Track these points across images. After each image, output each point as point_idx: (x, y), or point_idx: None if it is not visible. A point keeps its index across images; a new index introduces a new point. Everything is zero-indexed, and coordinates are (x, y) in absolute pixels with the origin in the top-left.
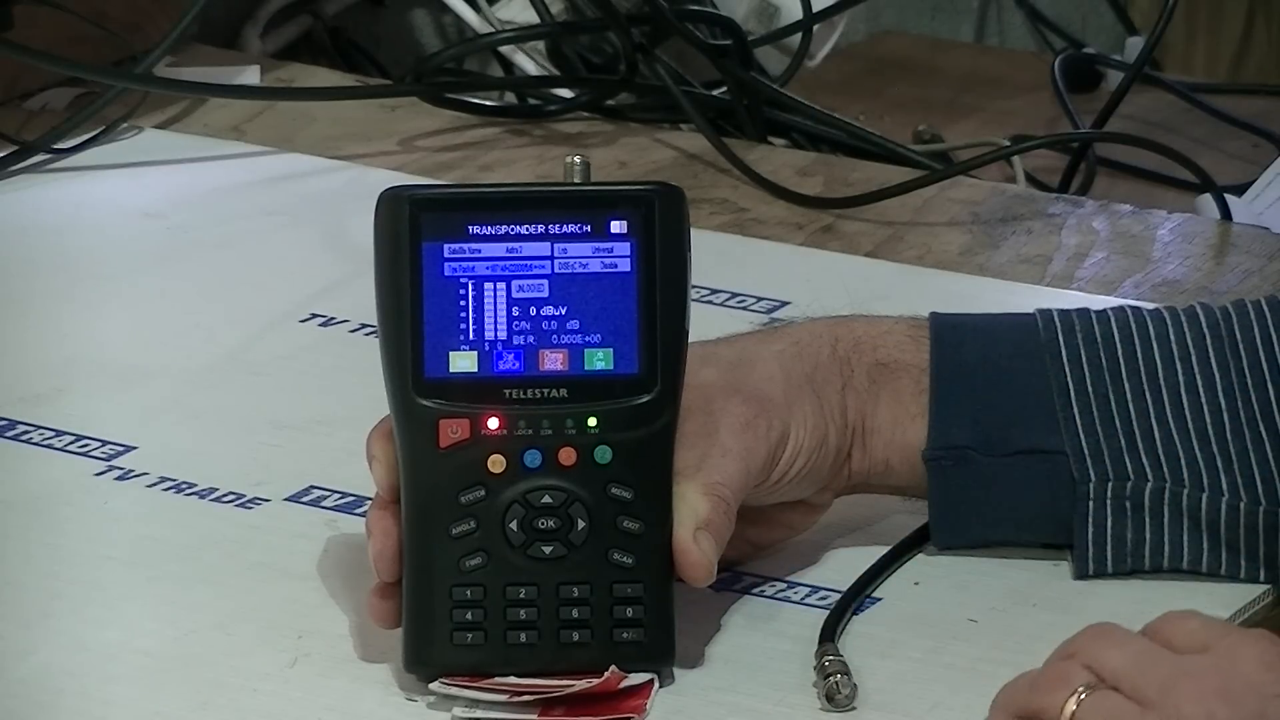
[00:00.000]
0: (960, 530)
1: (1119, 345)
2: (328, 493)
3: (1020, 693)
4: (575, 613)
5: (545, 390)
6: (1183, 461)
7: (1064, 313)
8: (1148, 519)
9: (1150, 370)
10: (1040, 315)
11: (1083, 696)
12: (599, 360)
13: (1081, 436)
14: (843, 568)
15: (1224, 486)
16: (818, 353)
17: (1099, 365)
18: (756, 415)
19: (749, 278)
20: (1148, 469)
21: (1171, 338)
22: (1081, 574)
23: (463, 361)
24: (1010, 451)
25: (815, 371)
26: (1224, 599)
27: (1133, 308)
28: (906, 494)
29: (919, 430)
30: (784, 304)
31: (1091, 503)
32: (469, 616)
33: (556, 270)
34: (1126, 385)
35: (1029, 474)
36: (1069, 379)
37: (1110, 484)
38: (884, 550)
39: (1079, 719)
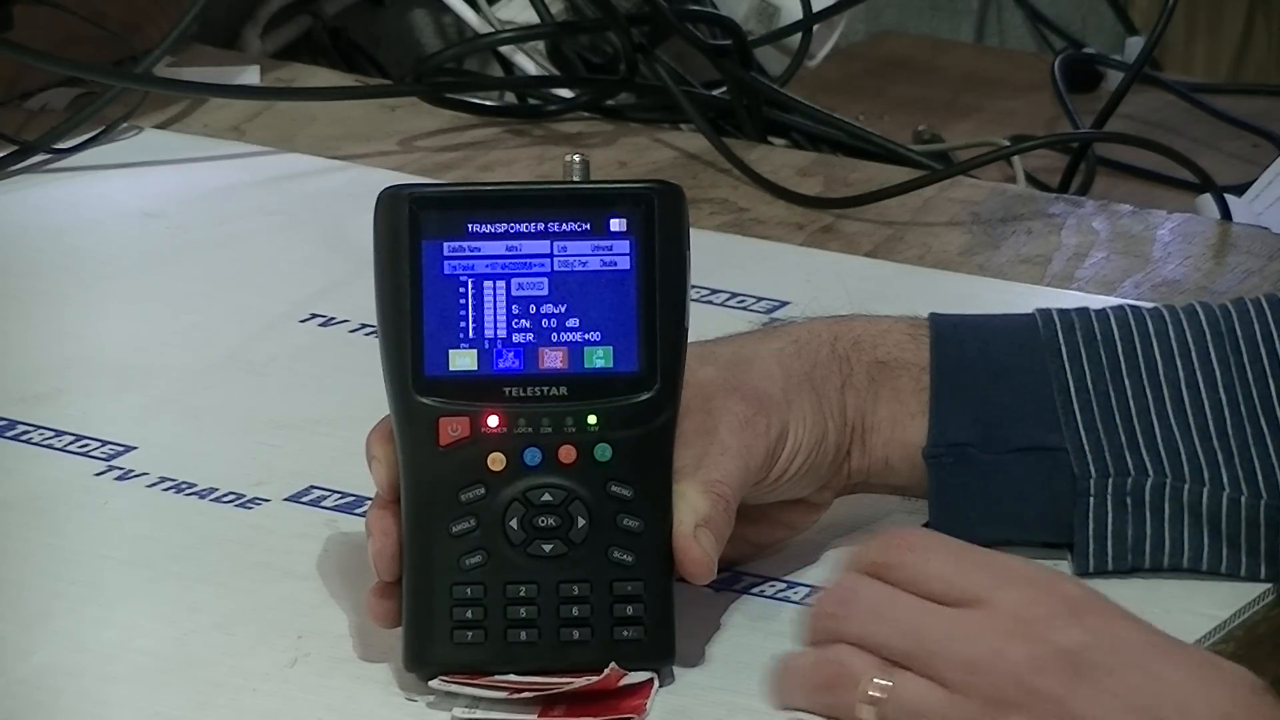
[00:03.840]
0: (960, 528)
1: (1119, 343)
2: (328, 493)
3: (796, 694)
4: (575, 611)
5: (545, 388)
6: (1183, 457)
7: (1063, 311)
8: (1148, 514)
9: (1150, 367)
10: (1040, 314)
11: (882, 689)
12: (598, 358)
13: (1082, 433)
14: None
15: (1225, 481)
16: (817, 351)
17: (1099, 362)
18: (755, 413)
19: (749, 278)
20: (1148, 465)
21: (1171, 335)
22: (1082, 571)
23: (462, 360)
24: (1010, 449)
25: (814, 370)
26: (1224, 598)
27: (1132, 306)
28: (906, 493)
29: (919, 428)
30: (784, 304)
31: (1092, 499)
32: (469, 615)
33: (556, 268)
34: (1126, 382)
35: (1029, 471)
36: (1069, 376)
37: (1111, 480)
38: None
39: (883, 717)
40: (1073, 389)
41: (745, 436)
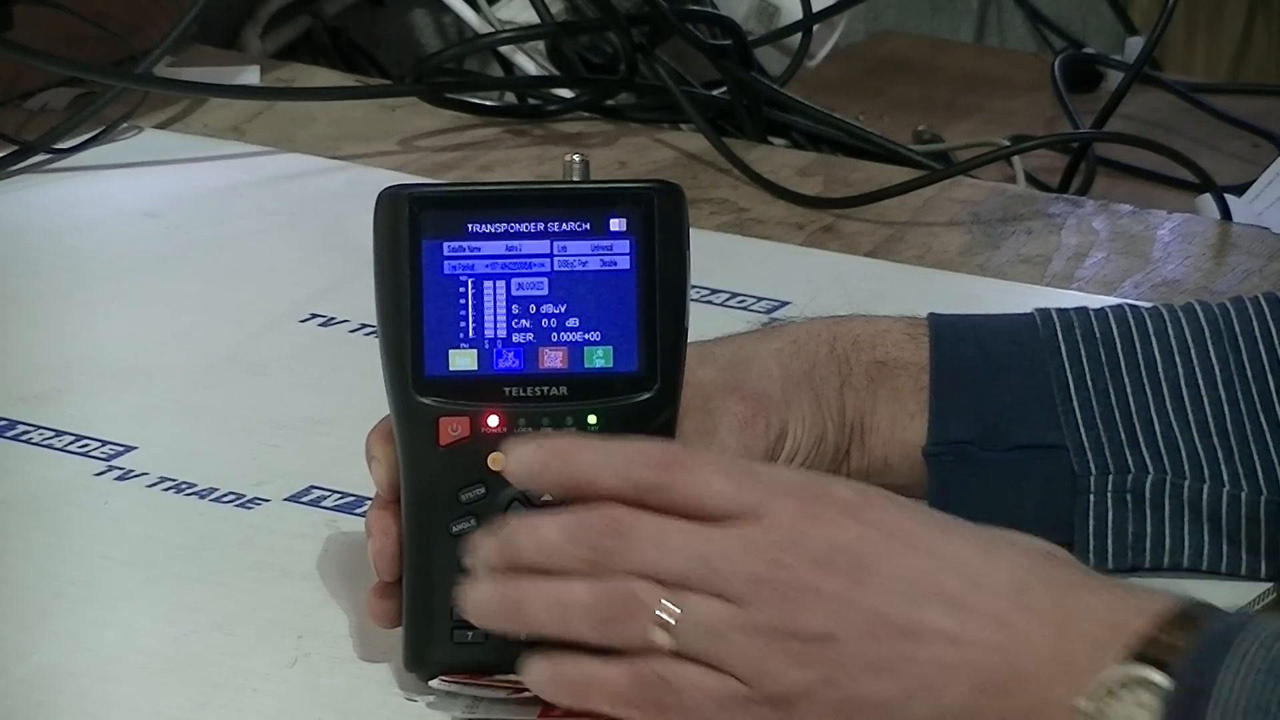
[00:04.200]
0: None
1: (1118, 341)
2: (328, 493)
3: (583, 628)
4: None
5: (545, 388)
6: (1183, 453)
7: (1063, 311)
8: (1149, 511)
9: (1150, 364)
10: (1039, 313)
11: (671, 612)
12: (598, 358)
13: (1082, 431)
14: None
15: (1225, 477)
16: (816, 351)
17: (1098, 361)
18: (754, 414)
19: (749, 278)
20: (1148, 462)
21: (1170, 333)
22: None
23: (462, 359)
24: (1010, 446)
25: (813, 370)
26: (1224, 597)
27: (1131, 305)
28: (906, 494)
29: (918, 428)
30: (784, 304)
31: (1092, 496)
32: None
33: (556, 268)
34: (1126, 380)
35: (1029, 469)
36: (1069, 374)
37: (1111, 477)
38: None
39: (683, 645)
40: (1072, 387)
41: (744, 437)
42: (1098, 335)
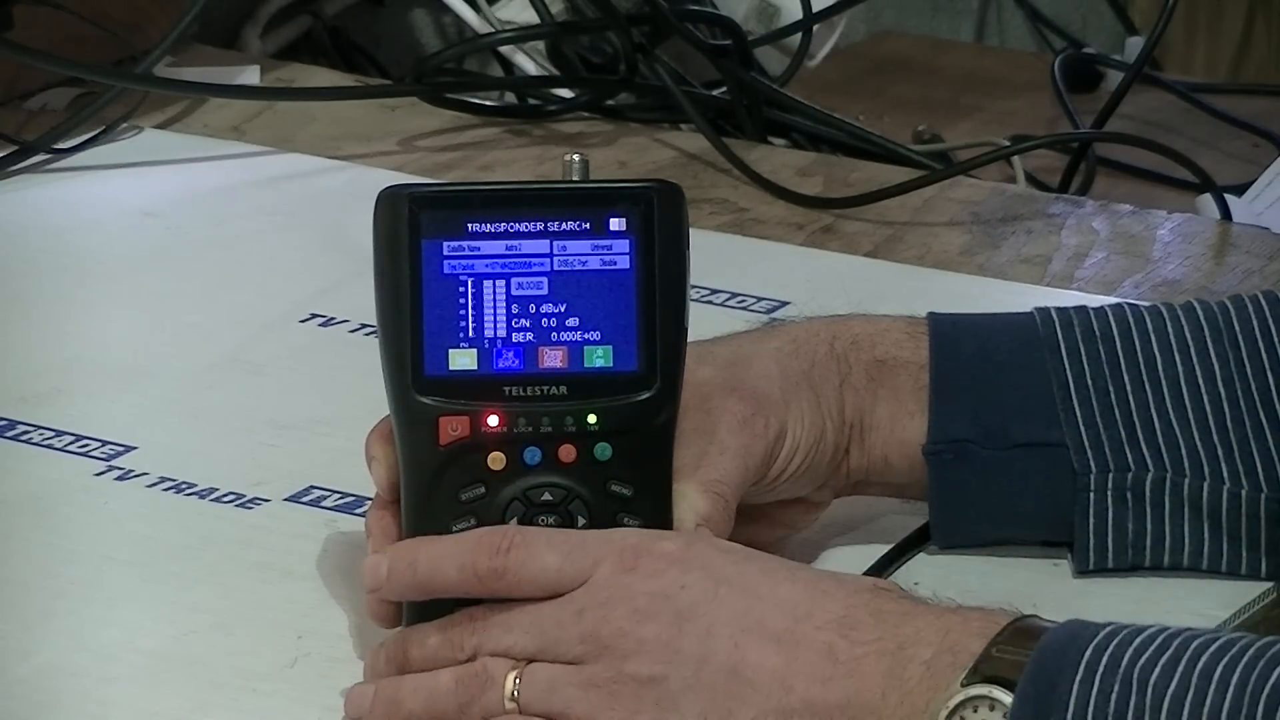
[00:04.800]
0: (960, 525)
1: (1118, 339)
2: (328, 493)
3: (450, 711)
4: None
5: (545, 387)
6: (1183, 451)
7: (1062, 309)
8: (1148, 509)
9: (1149, 363)
10: (1039, 312)
11: (516, 681)
12: (598, 357)
13: (1082, 429)
14: (843, 567)
15: (1225, 475)
16: (815, 350)
17: (1098, 359)
18: (754, 413)
19: (749, 278)
20: (1148, 460)
21: (1170, 331)
22: (1082, 567)
23: (462, 359)
24: (1010, 445)
25: (813, 369)
26: (1224, 597)
27: (1130, 304)
28: (905, 494)
29: (918, 427)
30: (784, 304)
31: (1092, 494)
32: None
33: (556, 268)
34: (1126, 378)
35: (1029, 467)
36: (1068, 373)
37: (1111, 475)
38: (884, 549)
39: (528, 705)
40: (1072, 385)
41: (744, 436)
42: (1097, 334)
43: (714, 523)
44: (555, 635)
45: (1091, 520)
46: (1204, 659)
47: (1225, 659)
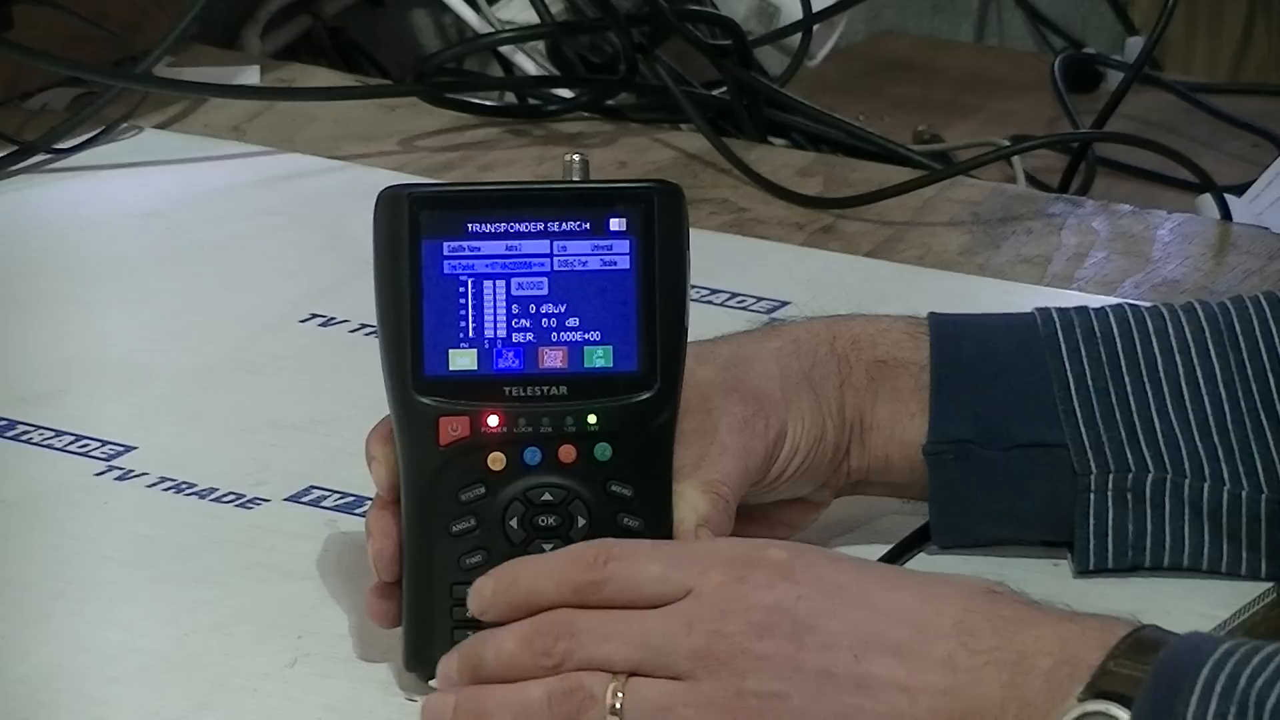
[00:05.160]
0: (960, 525)
1: (1118, 340)
2: (328, 493)
3: None
4: None
5: (545, 388)
6: (1184, 452)
7: (1063, 310)
8: (1149, 510)
9: (1150, 363)
10: (1039, 313)
11: (620, 698)
12: (598, 358)
13: (1082, 429)
14: None
15: (1225, 476)
16: (815, 350)
17: (1099, 359)
18: (754, 413)
19: (749, 278)
20: (1149, 460)
21: (1170, 332)
22: (1082, 568)
23: (462, 359)
24: (1010, 445)
25: (813, 369)
26: (1225, 598)
27: (1131, 305)
28: (905, 494)
29: (918, 427)
30: (784, 304)
31: (1092, 495)
32: (469, 615)
33: (556, 268)
34: (1126, 378)
35: (1029, 467)
36: (1069, 373)
37: (1111, 476)
38: (884, 549)
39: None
40: (1072, 386)
41: (744, 436)
42: (1098, 334)
43: (714, 523)
44: (661, 648)
45: (1092, 520)
46: None
47: None
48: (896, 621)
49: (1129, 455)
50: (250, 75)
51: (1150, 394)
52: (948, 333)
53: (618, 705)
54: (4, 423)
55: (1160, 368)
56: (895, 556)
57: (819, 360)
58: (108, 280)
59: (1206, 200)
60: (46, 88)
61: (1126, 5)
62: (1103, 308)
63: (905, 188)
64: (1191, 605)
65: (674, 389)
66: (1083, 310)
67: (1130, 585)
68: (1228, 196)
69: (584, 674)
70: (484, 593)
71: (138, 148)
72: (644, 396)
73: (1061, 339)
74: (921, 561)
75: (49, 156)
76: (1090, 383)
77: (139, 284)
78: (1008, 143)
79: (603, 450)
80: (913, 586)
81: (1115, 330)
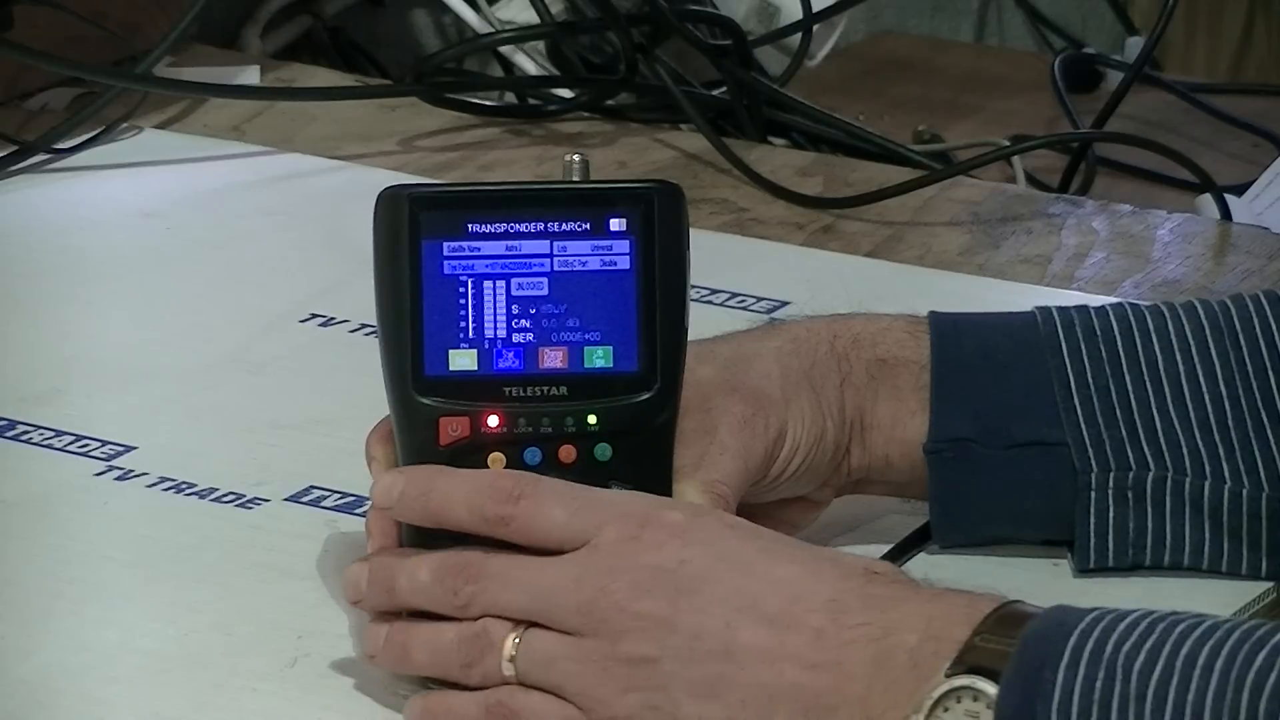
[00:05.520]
0: (960, 524)
1: (1118, 338)
2: (328, 493)
3: (454, 671)
4: None
5: (545, 388)
6: (1184, 450)
7: (1063, 309)
8: (1149, 509)
9: (1150, 361)
10: (1039, 312)
11: (515, 647)
12: (598, 358)
13: (1083, 428)
14: None
15: (1226, 474)
16: (815, 349)
17: (1099, 358)
18: (754, 413)
19: (749, 278)
20: (1149, 459)
21: (1171, 330)
22: (1083, 566)
23: (462, 359)
24: (1011, 444)
25: (813, 368)
26: (1225, 597)
27: (1131, 304)
28: (906, 493)
29: (919, 426)
30: (784, 304)
31: (1093, 493)
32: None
33: (556, 268)
34: (1127, 377)
35: (1030, 466)
36: (1069, 372)
37: (1111, 474)
38: (884, 549)
39: (525, 676)
40: (1073, 384)
41: (744, 436)
42: (1098, 333)
43: None
44: (552, 600)
45: (1092, 519)
46: (1188, 644)
47: (1210, 644)
48: (774, 593)
49: (1129, 453)
50: (250, 75)
51: (1150, 392)
52: (948, 331)
53: (514, 654)
54: (4, 423)
55: (1160, 366)
56: (895, 556)
57: (819, 359)
58: (108, 280)
59: (1206, 200)
60: (46, 88)
61: (1126, 5)
62: (1103, 306)
63: (905, 188)
64: (1192, 605)
65: (674, 389)
66: (1083, 309)
67: (1130, 585)
68: (1228, 196)
69: (490, 620)
70: (393, 491)
71: (138, 148)
72: (644, 397)
73: (1062, 338)
74: (922, 561)
75: (49, 156)
76: (1090, 381)
77: (139, 284)
78: (1008, 143)
79: (603, 450)
80: (797, 561)
81: (1115, 329)
